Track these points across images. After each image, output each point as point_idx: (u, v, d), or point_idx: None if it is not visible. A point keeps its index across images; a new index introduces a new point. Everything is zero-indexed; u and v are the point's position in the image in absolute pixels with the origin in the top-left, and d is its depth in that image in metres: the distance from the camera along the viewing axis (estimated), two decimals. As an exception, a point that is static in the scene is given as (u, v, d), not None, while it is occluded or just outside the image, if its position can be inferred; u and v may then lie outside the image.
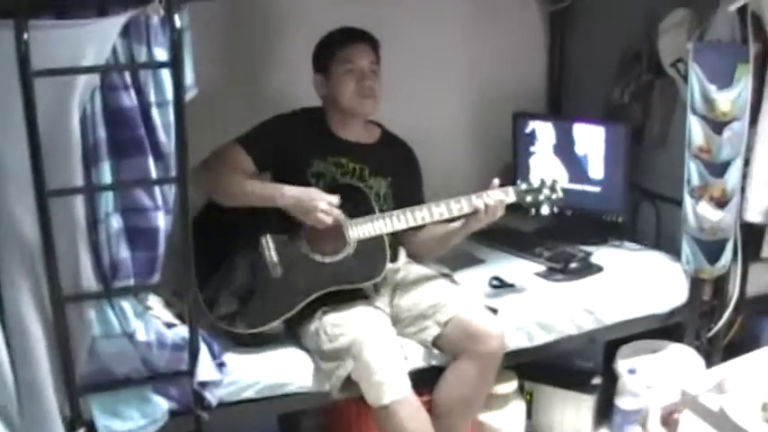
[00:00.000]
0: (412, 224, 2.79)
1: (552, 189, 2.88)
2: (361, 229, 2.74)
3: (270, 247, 2.74)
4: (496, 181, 2.81)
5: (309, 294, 2.71)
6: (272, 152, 2.80)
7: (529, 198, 2.86)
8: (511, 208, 2.84)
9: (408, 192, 3.01)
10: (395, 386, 2.52)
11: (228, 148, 2.76)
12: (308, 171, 2.85)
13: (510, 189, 2.83)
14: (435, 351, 2.77)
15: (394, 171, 2.98)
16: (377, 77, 2.87)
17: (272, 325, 2.69)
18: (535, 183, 2.89)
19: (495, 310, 2.85)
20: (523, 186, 2.87)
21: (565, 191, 2.92)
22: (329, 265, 2.75)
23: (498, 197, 2.77)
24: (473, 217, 2.78)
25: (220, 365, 2.49)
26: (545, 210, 2.89)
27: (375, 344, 2.55)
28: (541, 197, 2.87)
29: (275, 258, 2.73)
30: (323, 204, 2.65)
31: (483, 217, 2.76)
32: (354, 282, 2.77)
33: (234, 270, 2.73)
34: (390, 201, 2.95)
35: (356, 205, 2.78)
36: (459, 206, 2.77)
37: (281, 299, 2.70)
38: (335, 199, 2.68)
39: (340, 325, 2.64)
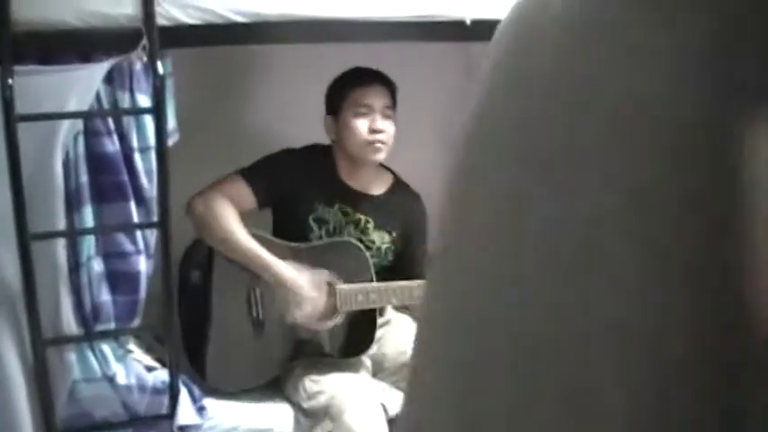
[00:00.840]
0: (407, 302, 2.72)
1: None
2: (353, 301, 2.63)
3: (258, 302, 2.66)
4: None
5: (293, 360, 2.67)
6: (276, 188, 2.66)
7: None
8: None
9: (410, 250, 2.87)
10: None
11: (229, 181, 2.61)
12: (311, 216, 2.71)
13: None
14: (417, 398, 2.75)
15: (399, 226, 2.83)
16: (390, 122, 2.71)
17: (251, 386, 2.66)
18: None
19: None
20: None
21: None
22: (316, 333, 2.68)
23: None
24: None
25: (201, 409, 2.48)
26: None
27: (355, 407, 2.50)
28: None
29: (261, 316, 2.68)
30: (308, 309, 2.61)
31: None
32: (338, 355, 2.70)
33: (219, 319, 2.66)
34: (390, 255, 2.83)
35: (352, 263, 2.68)
36: None
37: (264, 362, 2.67)
38: (324, 278, 2.62)
39: (318, 382, 2.60)
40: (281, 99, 3.02)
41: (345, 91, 2.70)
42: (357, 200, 2.76)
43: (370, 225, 2.78)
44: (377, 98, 2.69)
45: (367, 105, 2.67)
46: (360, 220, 2.76)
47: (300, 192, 2.69)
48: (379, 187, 2.83)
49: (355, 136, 2.67)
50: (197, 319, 2.64)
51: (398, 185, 2.88)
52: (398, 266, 2.87)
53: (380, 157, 2.71)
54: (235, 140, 3.22)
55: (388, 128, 2.69)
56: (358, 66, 2.76)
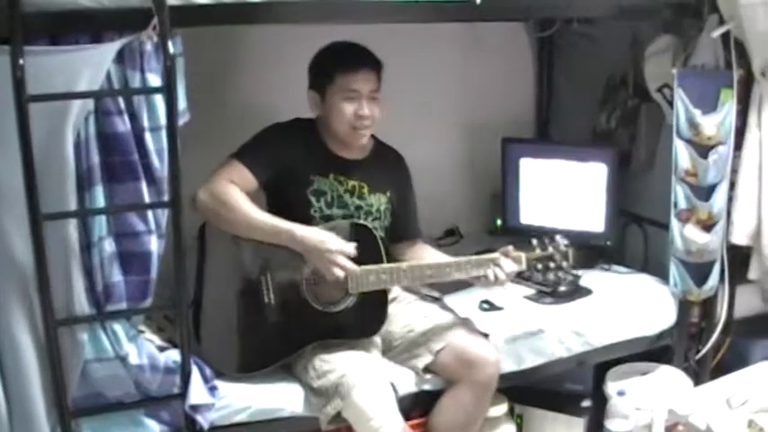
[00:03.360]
0: (417, 282, 2.75)
1: (564, 256, 2.75)
2: (364, 282, 2.61)
3: (269, 287, 2.64)
4: (511, 248, 2.70)
5: (304, 343, 2.66)
6: (273, 164, 2.66)
7: (540, 266, 2.75)
8: (500, 232, 2.82)
9: (405, 205, 2.95)
10: (390, 426, 2.51)
11: (226, 166, 2.62)
12: (309, 189, 2.72)
13: (523, 258, 2.71)
14: (427, 376, 2.77)
15: (391, 185, 2.89)
16: (376, 104, 2.72)
17: (264, 371, 2.65)
18: (548, 248, 2.74)
19: (486, 336, 2.86)
20: (537, 252, 2.73)
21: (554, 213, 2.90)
22: (328, 315, 2.65)
23: (510, 269, 2.67)
24: (482, 279, 2.69)
25: (212, 389, 2.49)
26: (551, 275, 2.81)
27: (365, 386, 2.51)
28: (552, 265, 2.75)
29: (273, 301, 2.65)
30: (340, 258, 2.55)
31: (491, 283, 2.68)
32: (350, 336, 2.68)
33: (229, 303, 2.65)
34: (389, 215, 2.89)
35: (364, 246, 2.63)
36: (470, 268, 2.67)
37: (275, 345, 2.66)
38: (352, 250, 2.58)
39: (328, 361, 2.60)
40: (288, 79, 3.01)
41: (332, 73, 2.70)
42: (348, 167, 2.80)
43: (365, 189, 2.82)
44: (364, 83, 2.70)
45: (354, 90, 2.69)
46: (354, 186, 2.80)
47: (295, 165, 2.71)
48: (363, 151, 2.87)
49: (342, 121, 2.71)
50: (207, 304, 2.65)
51: (380, 146, 2.94)
52: (396, 226, 2.93)
53: (364, 140, 2.77)
54: (243, 119, 3.22)
55: (374, 111, 2.72)
56: (344, 42, 2.76)
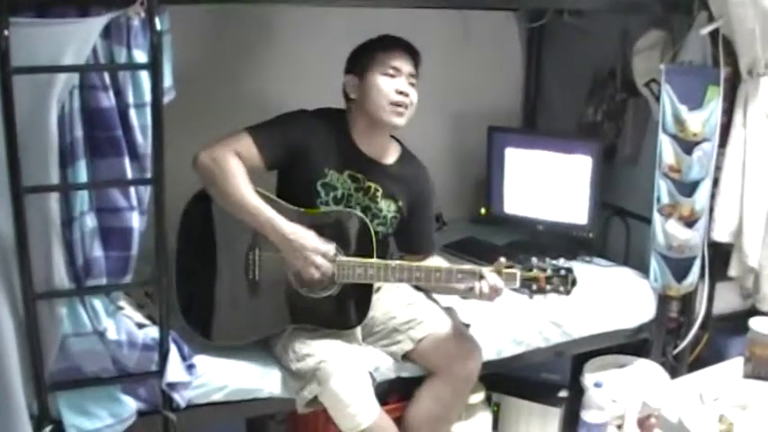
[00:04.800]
0: (404, 281, 2.70)
1: (563, 282, 2.60)
2: (351, 274, 2.59)
3: (256, 264, 2.63)
4: (503, 259, 2.61)
5: (284, 324, 2.66)
6: (286, 151, 2.63)
7: (534, 287, 2.61)
8: (484, 221, 2.81)
9: (419, 218, 2.89)
10: (367, 413, 2.52)
11: (238, 138, 2.56)
12: (320, 181, 2.68)
13: (518, 276, 2.59)
14: (406, 364, 2.78)
15: (406, 196, 2.83)
16: (414, 89, 2.70)
17: (242, 342, 2.67)
18: (547, 269, 2.60)
19: (466, 326, 2.86)
20: (534, 272, 2.60)
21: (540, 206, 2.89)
22: (311, 300, 2.63)
23: (499, 285, 2.56)
24: (470, 291, 2.60)
25: (190, 367, 2.50)
26: (542, 294, 2.65)
27: (342, 373, 2.51)
28: (548, 287, 2.61)
29: (258, 278, 2.64)
30: (316, 258, 2.53)
31: (479, 297, 2.59)
32: (332, 325, 2.67)
33: (215, 276, 2.65)
34: (395, 225, 2.83)
35: (356, 236, 2.64)
36: (460, 277, 2.60)
37: (256, 320, 2.66)
38: (331, 251, 2.57)
39: (307, 344, 2.61)
40: (278, 61, 3.01)
41: (374, 52, 2.69)
42: (369, 167, 2.75)
43: (379, 193, 2.77)
44: (405, 63, 2.69)
45: (395, 68, 2.67)
46: (370, 187, 2.75)
47: (310, 155, 2.66)
48: (390, 156, 2.82)
49: (380, 95, 2.65)
50: (194, 273, 2.65)
51: (407, 156, 2.88)
52: (405, 237, 2.90)
53: (401, 121, 2.69)
54: (231, 100, 3.23)
55: (412, 93, 2.69)
56: (386, 33, 2.75)
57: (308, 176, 2.67)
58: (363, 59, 2.71)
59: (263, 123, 2.63)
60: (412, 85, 2.70)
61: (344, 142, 2.72)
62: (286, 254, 2.55)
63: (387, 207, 2.78)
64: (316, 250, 2.53)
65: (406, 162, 2.86)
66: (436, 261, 2.88)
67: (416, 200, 2.86)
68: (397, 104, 2.65)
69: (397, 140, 2.88)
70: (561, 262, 2.63)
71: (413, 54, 2.73)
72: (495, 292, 2.58)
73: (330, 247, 2.57)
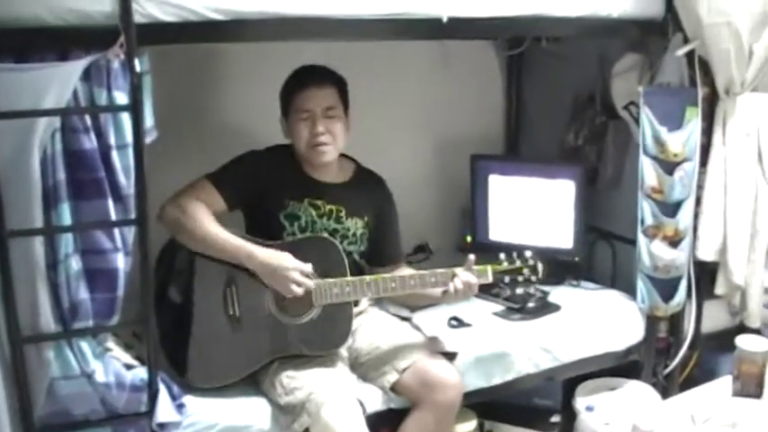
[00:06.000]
0: (382, 294, 2.73)
1: (533, 270, 2.78)
2: (328, 294, 2.63)
3: (234, 299, 2.64)
4: (472, 257, 2.73)
5: (269, 356, 2.67)
6: (245, 190, 2.72)
7: (507, 279, 2.78)
8: (470, 248, 2.82)
9: (385, 230, 2.97)
10: None
11: (198, 185, 2.66)
12: (282, 213, 2.76)
13: (489, 270, 2.74)
14: (393, 395, 2.77)
15: (370, 210, 2.92)
16: (334, 121, 2.75)
17: (230, 382, 2.65)
18: (516, 261, 2.78)
19: (454, 354, 2.86)
20: (504, 265, 2.77)
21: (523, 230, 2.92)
22: (293, 327, 2.66)
23: (472, 281, 2.69)
24: (446, 294, 2.72)
25: (180, 407, 2.48)
26: (520, 290, 2.90)
27: (333, 403, 2.51)
28: (520, 279, 2.78)
29: (238, 313, 2.65)
30: (296, 275, 2.57)
31: (455, 296, 2.70)
32: (315, 349, 2.68)
33: (196, 316, 2.64)
34: (366, 241, 2.91)
35: (327, 258, 2.68)
36: (434, 281, 2.70)
37: (240, 357, 2.65)
38: (309, 268, 2.60)
39: (295, 378, 2.61)
40: (258, 98, 3.02)
41: (290, 95, 2.77)
42: (325, 191, 2.82)
43: (343, 213, 2.84)
44: (316, 101, 2.73)
45: (307, 111, 2.73)
46: (332, 210, 2.82)
47: (269, 191, 2.75)
48: (343, 175, 2.90)
49: (300, 140, 2.76)
50: (174, 318, 2.64)
51: (361, 171, 2.96)
52: (373, 251, 2.95)
53: (327, 158, 2.78)
54: (212, 138, 3.23)
55: (331, 127, 2.74)
56: (305, 65, 2.81)
57: (270, 211, 2.76)
58: (284, 102, 2.81)
59: (220, 168, 2.72)
60: (331, 117, 2.75)
61: (297, 173, 2.82)
62: (265, 278, 2.60)
63: (354, 225, 2.86)
64: (295, 268, 2.58)
65: (363, 177, 2.95)
66: (406, 271, 2.91)
67: (380, 211, 2.96)
68: (316, 144, 2.73)
69: (351, 159, 2.95)
70: (528, 254, 2.79)
71: (329, 83, 2.78)
72: (468, 288, 2.69)
73: (308, 265, 2.61)
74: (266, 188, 2.75)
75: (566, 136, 3.72)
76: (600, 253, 3.69)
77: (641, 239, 3.16)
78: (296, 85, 2.77)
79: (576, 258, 3.58)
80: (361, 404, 2.60)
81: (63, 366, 2.25)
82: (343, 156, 2.90)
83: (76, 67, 2.08)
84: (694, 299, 3.31)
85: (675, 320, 3.35)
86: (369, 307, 3.01)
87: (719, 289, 3.27)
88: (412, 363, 2.72)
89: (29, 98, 2.04)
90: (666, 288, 3.20)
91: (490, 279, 2.75)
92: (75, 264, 2.21)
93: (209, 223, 2.59)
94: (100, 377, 2.30)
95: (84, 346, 2.28)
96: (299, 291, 2.57)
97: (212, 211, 2.63)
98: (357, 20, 2.52)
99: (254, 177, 2.73)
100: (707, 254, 3.19)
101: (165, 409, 2.41)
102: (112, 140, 2.17)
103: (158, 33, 2.19)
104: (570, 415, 3.27)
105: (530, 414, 3.33)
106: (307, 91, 2.74)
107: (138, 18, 2.12)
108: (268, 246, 2.65)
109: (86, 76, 2.10)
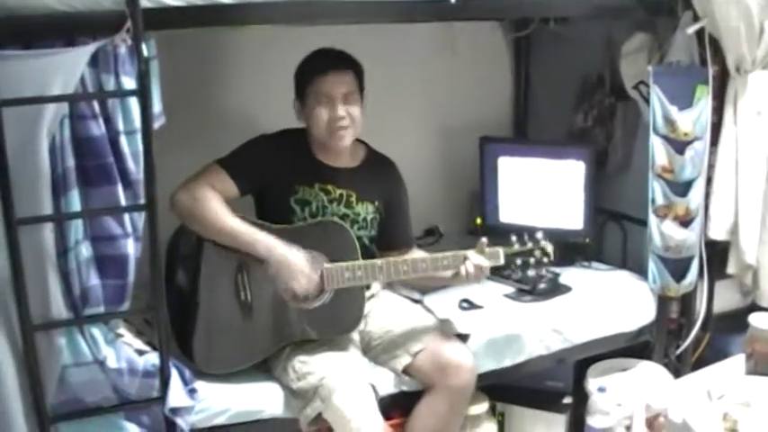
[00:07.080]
0: (393, 278, 2.74)
1: (544, 252, 2.80)
2: (340, 279, 2.63)
3: (245, 285, 2.64)
4: (484, 240, 2.73)
5: (281, 341, 2.67)
6: (256, 175, 2.70)
7: (519, 261, 2.80)
8: (480, 231, 2.82)
9: (395, 214, 2.95)
10: (371, 427, 2.51)
11: (209, 171, 2.64)
12: (292, 198, 2.74)
13: (500, 253, 2.75)
14: (406, 378, 2.77)
15: (381, 195, 2.90)
16: (353, 105, 2.72)
17: (242, 368, 2.65)
18: (527, 243, 2.80)
19: (466, 336, 2.86)
20: (516, 247, 2.79)
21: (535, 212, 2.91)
22: (304, 312, 2.66)
23: (483, 264, 2.69)
24: (457, 276, 2.71)
25: (192, 392, 2.48)
26: (531, 272, 2.91)
27: (345, 388, 2.51)
28: (532, 261, 2.80)
29: (249, 299, 2.65)
30: (301, 289, 2.61)
31: (466, 279, 2.70)
32: (327, 333, 2.69)
33: (206, 303, 2.63)
34: (376, 226, 2.90)
35: (338, 243, 2.69)
36: (445, 263, 2.70)
37: (252, 343, 2.65)
38: (313, 287, 2.63)
39: (307, 362, 2.61)
40: (265, 83, 3.01)
41: (308, 78, 2.74)
42: (336, 176, 2.81)
43: (353, 198, 2.82)
44: (335, 86, 2.70)
45: (326, 94, 2.70)
46: (342, 195, 2.80)
47: (279, 176, 2.73)
48: (354, 160, 2.88)
49: (318, 125, 2.72)
50: (184, 304, 2.64)
51: (372, 155, 2.94)
52: (384, 234, 2.93)
53: (345, 142, 2.76)
54: (219, 124, 3.23)
55: (351, 111, 2.72)
56: (322, 48, 2.78)
57: (280, 196, 2.74)
58: (301, 85, 2.77)
59: (231, 154, 2.70)
60: (350, 102, 2.73)
61: (308, 158, 2.80)
62: (272, 274, 2.60)
63: (364, 210, 2.84)
64: (303, 281, 2.61)
65: (374, 161, 2.93)
66: (418, 254, 2.91)
67: (391, 196, 2.94)
68: (337, 129, 2.70)
69: (363, 142, 2.93)
70: (539, 236, 2.81)
71: (349, 69, 2.76)
72: (480, 271, 2.69)
73: (314, 281, 2.62)
74: (277, 172, 2.72)
75: (574, 118, 3.71)
76: (610, 234, 3.68)
77: (652, 219, 3.15)
78: (315, 69, 2.73)
79: (587, 239, 3.57)
80: (374, 388, 2.60)
81: (75, 353, 2.25)
82: (355, 139, 2.86)
83: (84, 53, 2.07)
84: (706, 279, 3.30)
85: (687, 300, 3.34)
86: (380, 291, 3.00)
87: (731, 268, 3.26)
88: (425, 346, 2.71)
89: (36, 85, 2.03)
90: (678, 268, 3.19)
91: (502, 261, 2.75)
92: (86, 250, 2.21)
93: (220, 210, 2.58)
94: (112, 363, 2.30)
95: (96, 332, 2.28)
96: (292, 302, 2.62)
97: (224, 198, 2.62)
98: (364, 1, 2.51)
99: (266, 162, 2.71)
100: (718, 233, 3.18)
101: (177, 395, 2.41)
102: (121, 126, 2.17)
103: (165, 17, 2.18)
104: (582, 396, 3.26)
105: (541, 396, 3.32)
106: (327, 75, 2.70)
107: (144, 2, 2.10)
108: (282, 231, 2.65)
109: (94, 62, 2.09)
